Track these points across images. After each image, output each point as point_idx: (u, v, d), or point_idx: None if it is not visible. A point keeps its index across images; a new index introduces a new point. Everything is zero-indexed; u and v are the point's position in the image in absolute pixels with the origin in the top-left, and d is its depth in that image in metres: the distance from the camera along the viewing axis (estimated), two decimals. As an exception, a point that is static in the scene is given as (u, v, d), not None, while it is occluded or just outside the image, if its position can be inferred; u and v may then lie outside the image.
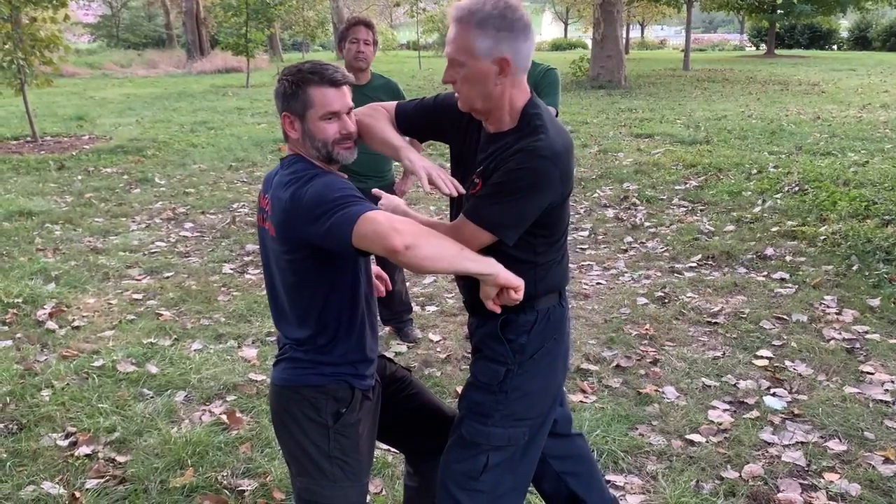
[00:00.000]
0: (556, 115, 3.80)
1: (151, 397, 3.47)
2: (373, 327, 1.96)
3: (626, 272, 5.26)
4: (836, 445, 2.98)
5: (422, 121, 2.06)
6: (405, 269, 4.23)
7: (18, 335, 4.19)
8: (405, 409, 2.13)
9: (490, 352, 1.94)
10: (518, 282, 1.73)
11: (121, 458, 2.97)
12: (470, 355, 3.93)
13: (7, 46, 10.59)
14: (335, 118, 1.83)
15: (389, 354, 3.93)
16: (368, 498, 2.21)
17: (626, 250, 5.79)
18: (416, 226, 1.63)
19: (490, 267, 1.71)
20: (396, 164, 4.10)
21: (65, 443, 3.08)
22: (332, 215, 1.65)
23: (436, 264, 1.68)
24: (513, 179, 1.73)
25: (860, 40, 40.79)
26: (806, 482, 2.77)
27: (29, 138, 11.26)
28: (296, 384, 1.89)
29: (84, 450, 3.01)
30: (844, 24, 43.91)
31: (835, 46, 42.18)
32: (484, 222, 1.75)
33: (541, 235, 1.86)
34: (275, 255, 1.85)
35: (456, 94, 1.86)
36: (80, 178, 8.63)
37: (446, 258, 1.66)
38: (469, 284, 1.93)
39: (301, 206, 1.70)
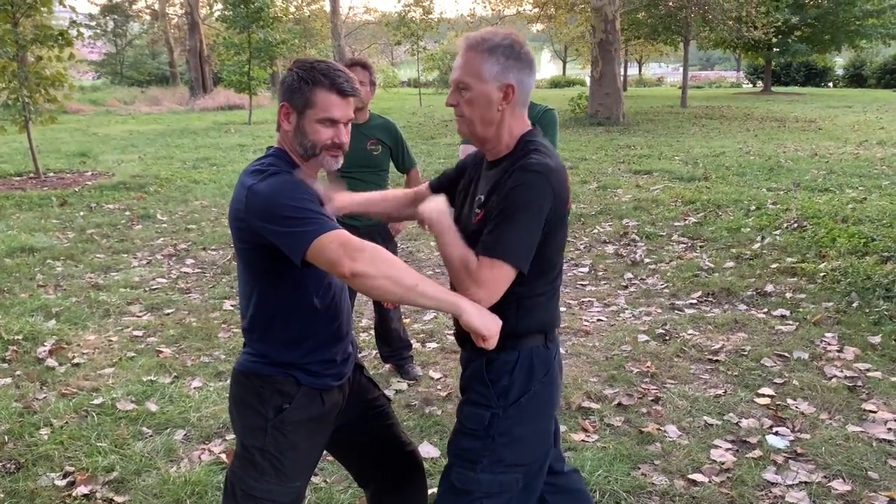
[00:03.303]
0: (555, 155, 3.85)
1: (151, 436, 3.45)
2: (335, 328, 1.92)
3: (626, 309, 5.26)
4: (839, 486, 2.95)
5: (450, 188, 2.13)
6: (400, 306, 4.23)
7: (18, 373, 4.18)
8: (375, 438, 2.10)
9: (475, 395, 1.91)
10: (486, 331, 1.70)
11: (119, 499, 2.95)
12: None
13: (13, 84, 10.72)
14: (332, 125, 1.83)
15: (390, 393, 3.92)
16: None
17: (626, 287, 5.79)
18: (376, 253, 1.63)
19: (452, 305, 1.69)
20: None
21: (63, 482, 3.05)
22: (288, 224, 1.66)
23: (385, 294, 1.65)
24: (511, 202, 1.74)
25: (855, 78, 41.30)
26: (810, 523, 2.74)
27: (32, 174, 11.34)
28: (246, 371, 1.90)
29: (82, 490, 2.98)
30: (839, 61, 44.47)
31: (830, 84, 42.68)
32: (500, 254, 1.73)
33: (534, 271, 1.82)
34: (235, 246, 1.89)
35: (456, 119, 1.89)
36: (82, 214, 8.67)
37: (397, 292, 1.64)
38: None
39: (257, 199, 1.71)
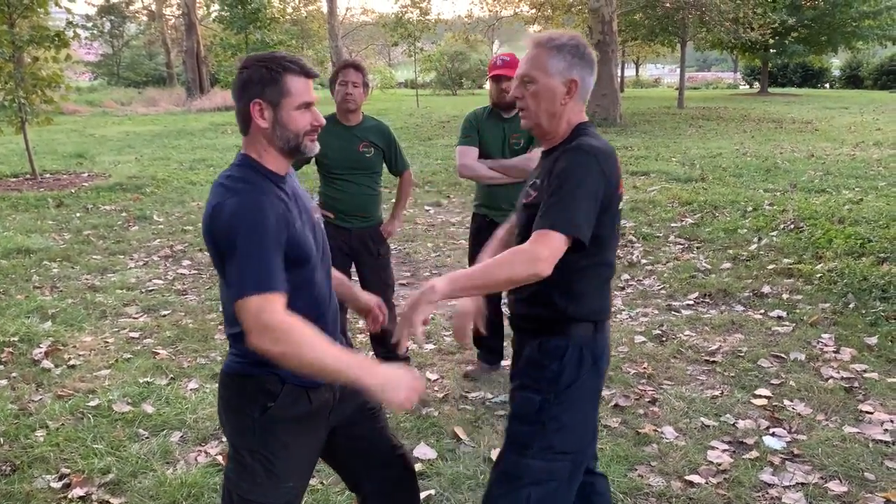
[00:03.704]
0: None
1: (147, 438, 3.44)
2: (318, 328, 1.86)
3: (623, 310, 5.26)
4: (836, 486, 2.96)
5: None
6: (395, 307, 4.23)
7: (14, 374, 4.17)
8: (366, 441, 2.09)
9: (527, 379, 1.97)
10: (390, 402, 1.68)
11: (115, 501, 2.94)
12: (466, 394, 3.93)
13: (9, 85, 10.70)
14: (308, 109, 1.83)
15: (387, 394, 3.92)
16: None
17: (623, 288, 5.80)
18: (287, 333, 1.63)
19: (353, 380, 1.68)
20: (385, 205, 4.14)
21: (58, 485, 3.05)
22: (236, 263, 1.66)
23: (286, 364, 1.67)
24: (564, 178, 1.82)
25: (852, 79, 41.40)
26: (807, 524, 2.74)
27: (28, 175, 11.31)
28: (231, 372, 1.89)
29: (78, 492, 2.97)
30: (836, 62, 44.57)
31: (827, 85, 42.78)
32: (556, 225, 1.77)
33: (583, 258, 1.87)
34: None
35: (521, 112, 1.98)
36: (78, 215, 8.65)
37: (295, 365, 1.66)
38: (524, 302, 1.98)
39: (220, 221, 1.70)
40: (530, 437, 1.92)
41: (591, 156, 1.83)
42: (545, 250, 1.76)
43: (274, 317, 1.64)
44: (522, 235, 1.95)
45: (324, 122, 1.88)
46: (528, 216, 1.93)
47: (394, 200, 4.18)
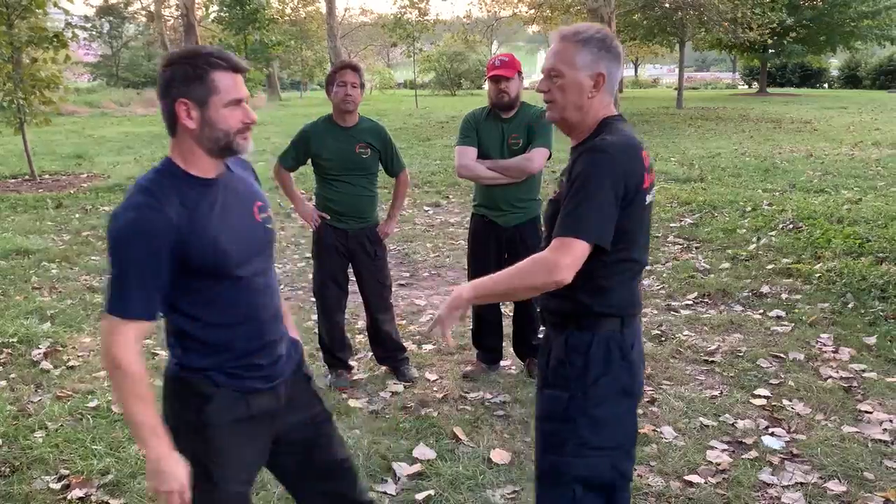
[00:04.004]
0: (550, 157, 3.86)
1: (146, 439, 3.44)
2: (253, 337, 1.86)
3: (622, 310, 5.25)
4: (835, 486, 2.96)
5: None
6: (392, 308, 4.23)
7: (13, 375, 4.17)
8: (310, 454, 2.05)
9: (553, 377, 1.97)
10: (160, 486, 1.71)
11: (114, 502, 2.94)
12: (465, 394, 3.92)
13: (8, 86, 10.70)
14: (238, 106, 1.74)
15: (386, 394, 3.92)
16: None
17: (622, 288, 5.79)
18: (121, 374, 1.69)
19: (141, 443, 1.72)
20: (381, 206, 4.15)
21: (58, 486, 3.04)
22: (111, 276, 1.68)
23: (112, 390, 1.74)
24: (580, 181, 1.80)
25: (850, 79, 41.44)
26: (806, 524, 2.74)
27: (27, 177, 11.32)
28: (169, 375, 1.88)
29: (77, 493, 2.97)
30: (835, 62, 44.61)
31: (826, 85, 42.81)
32: (571, 231, 1.77)
33: (607, 253, 1.84)
34: None
35: (546, 106, 1.98)
36: (77, 216, 8.65)
37: (118, 399, 1.75)
38: (550, 298, 1.97)
39: (107, 230, 1.70)
40: (563, 434, 1.91)
41: (607, 154, 1.81)
42: (565, 258, 1.76)
43: (118, 350, 1.68)
44: (548, 229, 1.97)
45: (255, 118, 1.79)
46: (553, 211, 1.93)
47: (390, 201, 4.19)
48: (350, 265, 4.02)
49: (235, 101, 1.73)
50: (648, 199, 1.91)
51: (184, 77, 1.70)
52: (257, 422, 1.89)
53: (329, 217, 3.87)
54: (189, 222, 1.71)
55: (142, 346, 1.71)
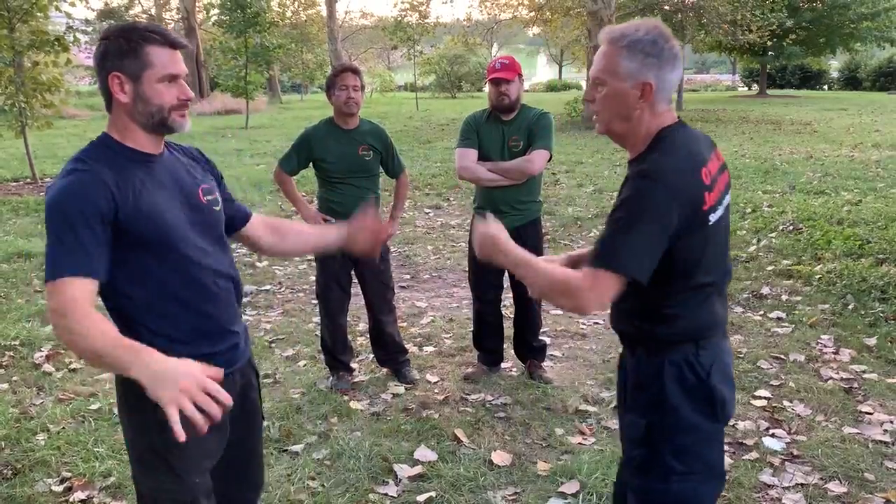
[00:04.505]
0: (550, 159, 3.87)
1: (148, 441, 3.44)
2: (204, 320, 1.83)
3: (623, 312, 5.26)
4: (836, 487, 2.96)
5: None
6: (395, 310, 4.24)
7: (15, 378, 4.18)
8: (238, 449, 2.02)
9: (631, 401, 1.89)
10: (166, 398, 1.54)
11: (116, 504, 2.94)
12: (466, 396, 3.93)
13: (9, 90, 10.72)
14: (173, 82, 1.72)
15: (387, 396, 3.93)
16: None
17: (622, 290, 5.80)
18: (74, 323, 1.59)
19: (123, 370, 1.61)
20: (383, 207, 4.16)
21: (60, 488, 3.05)
22: (51, 243, 1.63)
23: (76, 353, 1.71)
24: (625, 209, 1.68)
25: (850, 80, 41.43)
26: (807, 525, 2.74)
27: (29, 180, 11.33)
28: None
29: (79, 495, 2.98)
30: (834, 64, 44.63)
31: (825, 86, 42.81)
32: (604, 262, 1.66)
33: (666, 274, 1.71)
34: None
35: (594, 115, 1.84)
36: (78, 219, 8.65)
37: (85, 355, 1.67)
38: (621, 322, 1.91)
39: (46, 202, 1.68)
40: (646, 460, 1.83)
41: (657, 184, 1.65)
42: (592, 292, 1.66)
43: (64, 304, 1.60)
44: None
45: (191, 95, 1.77)
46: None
47: (391, 203, 4.20)
48: (353, 267, 4.03)
49: (171, 76, 1.71)
50: (714, 217, 1.74)
51: (118, 51, 1.68)
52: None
53: (333, 220, 3.88)
54: (123, 188, 1.68)
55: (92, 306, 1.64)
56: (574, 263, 2.03)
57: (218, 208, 1.91)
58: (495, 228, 1.86)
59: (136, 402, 1.79)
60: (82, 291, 1.62)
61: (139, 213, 1.69)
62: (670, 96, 1.79)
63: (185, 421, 1.62)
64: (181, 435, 1.52)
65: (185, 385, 1.55)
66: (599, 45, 1.80)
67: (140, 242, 1.71)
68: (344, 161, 3.85)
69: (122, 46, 1.68)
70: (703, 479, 1.83)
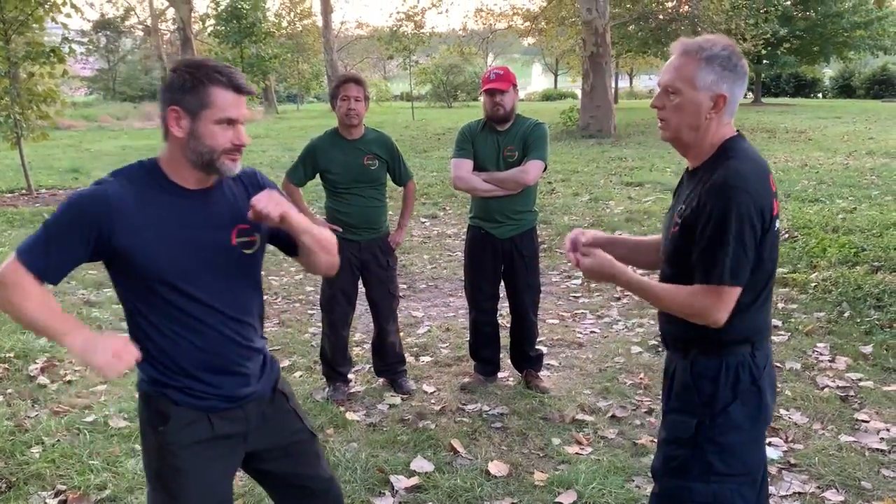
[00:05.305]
0: (545, 169, 3.88)
1: (143, 453, 3.43)
2: (213, 347, 1.81)
3: (619, 320, 5.27)
4: (833, 496, 2.96)
5: None
6: (397, 320, 4.24)
7: (9, 390, 4.16)
8: (290, 474, 2.03)
9: (680, 402, 1.93)
10: (97, 364, 1.65)
11: (111, 517, 2.93)
12: (463, 406, 3.90)
13: (4, 101, 10.72)
14: (230, 126, 1.71)
15: (384, 406, 3.92)
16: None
17: (619, 298, 5.81)
18: (16, 283, 1.68)
19: (57, 337, 1.71)
20: (391, 216, 4.17)
21: (54, 501, 3.03)
22: (41, 224, 1.72)
23: (14, 320, 1.74)
24: (722, 221, 1.75)
25: (844, 88, 41.61)
26: (804, 534, 2.74)
27: (24, 191, 11.31)
28: (139, 389, 1.87)
29: (74, 508, 2.96)
30: (828, 72, 44.84)
31: (820, 94, 42.99)
32: (720, 278, 1.76)
33: None
34: None
35: (660, 123, 1.90)
36: (74, 230, 8.64)
37: (22, 322, 1.74)
38: (673, 324, 1.96)
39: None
40: (689, 460, 1.87)
41: (743, 191, 1.74)
42: (721, 308, 1.77)
43: (6, 272, 1.68)
44: (669, 263, 1.94)
45: (247, 141, 1.76)
46: (674, 247, 1.89)
47: (399, 211, 4.20)
48: (360, 277, 4.02)
49: (229, 119, 1.70)
50: (778, 224, 1.86)
51: (181, 85, 1.68)
52: (224, 442, 1.85)
53: (341, 230, 3.86)
54: (136, 216, 1.70)
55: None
56: (644, 250, 2.16)
57: (250, 251, 1.86)
58: (601, 258, 1.91)
59: (145, 426, 1.84)
60: (28, 279, 1.69)
61: (142, 244, 1.71)
62: (735, 109, 1.88)
63: (190, 450, 1.76)
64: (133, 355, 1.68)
65: (118, 349, 1.66)
66: (676, 56, 1.86)
67: (139, 269, 1.74)
68: (349, 171, 3.84)
69: (186, 82, 1.68)
70: (742, 482, 1.87)
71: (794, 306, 5.30)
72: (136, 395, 1.91)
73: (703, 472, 1.85)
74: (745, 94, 1.94)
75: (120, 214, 1.68)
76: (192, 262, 1.76)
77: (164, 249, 1.72)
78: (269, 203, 1.70)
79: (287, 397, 2.04)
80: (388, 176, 4.01)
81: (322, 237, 1.86)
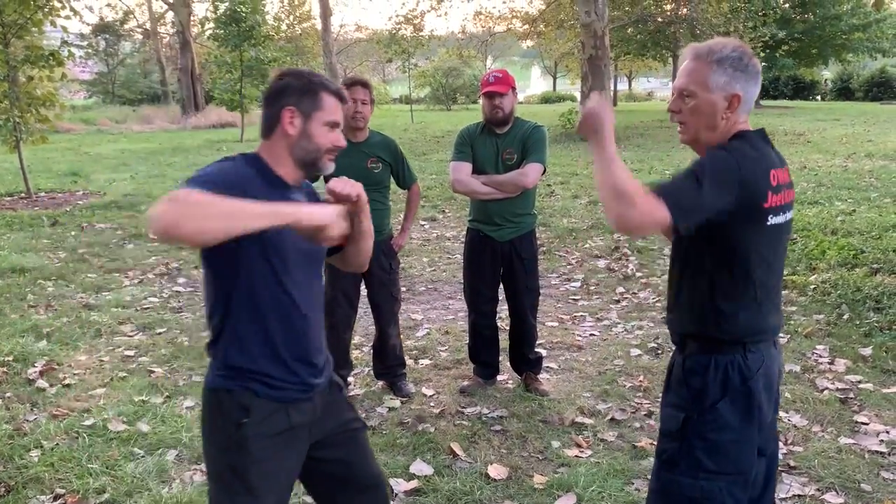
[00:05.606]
0: (544, 172, 3.88)
1: (142, 457, 3.42)
2: (295, 337, 1.89)
3: (618, 323, 5.27)
4: (833, 498, 2.96)
5: None
6: (399, 323, 4.23)
7: (8, 394, 4.15)
8: (342, 464, 2.05)
9: (673, 396, 1.97)
10: (327, 219, 1.68)
11: (110, 521, 2.92)
12: (462, 409, 3.92)
13: (4, 104, 10.73)
14: (333, 129, 1.89)
15: (383, 410, 3.91)
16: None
17: (618, 301, 5.81)
18: (193, 197, 1.54)
19: (281, 217, 1.63)
20: (393, 219, 4.17)
21: (53, 505, 3.03)
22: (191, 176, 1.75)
23: (205, 236, 1.53)
24: (698, 166, 1.78)
25: (843, 91, 41.68)
26: (804, 536, 2.74)
27: (23, 194, 11.32)
28: (211, 387, 1.88)
29: (73, 512, 2.96)
30: (827, 75, 44.91)
31: (818, 97, 43.06)
32: (662, 193, 1.72)
33: (720, 266, 1.85)
34: None
35: (679, 126, 1.95)
36: (73, 233, 8.65)
37: (218, 228, 1.54)
38: (673, 318, 1.99)
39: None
40: (677, 454, 1.90)
41: (727, 153, 1.80)
42: (638, 208, 1.69)
43: (181, 198, 1.54)
44: (678, 256, 1.98)
45: (344, 145, 1.92)
46: (678, 245, 1.94)
47: (402, 214, 4.20)
48: (362, 280, 4.02)
49: (334, 122, 1.88)
50: (775, 220, 1.85)
51: (298, 88, 1.85)
52: (297, 433, 1.92)
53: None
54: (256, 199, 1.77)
55: None
56: None
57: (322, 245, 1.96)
58: (607, 111, 1.87)
59: (219, 419, 1.85)
60: (196, 193, 1.59)
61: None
62: (750, 109, 1.92)
63: (269, 441, 1.80)
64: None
65: (339, 188, 1.81)
66: (689, 61, 1.91)
67: (251, 251, 1.78)
68: (353, 174, 3.81)
69: (304, 85, 1.86)
70: (732, 481, 1.89)
71: (794, 308, 5.30)
72: (204, 391, 1.91)
73: (692, 468, 1.88)
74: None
75: (244, 195, 1.71)
76: (290, 251, 1.86)
77: (274, 234, 1.76)
78: (346, 185, 1.85)
79: (340, 388, 2.12)
80: (391, 179, 4.01)
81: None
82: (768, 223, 1.83)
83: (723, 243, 1.83)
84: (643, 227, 1.75)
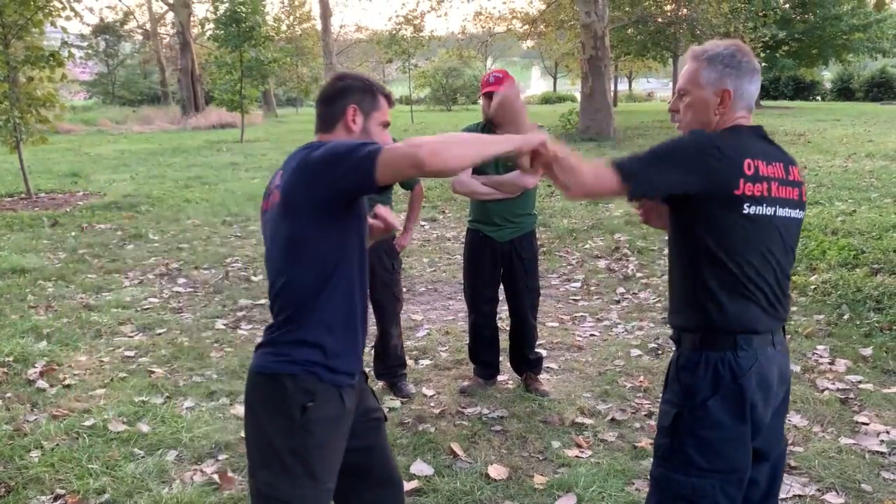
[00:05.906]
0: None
1: (142, 457, 3.42)
2: (353, 325, 1.95)
3: (619, 323, 5.27)
4: (833, 499, 2.96)
5: None
6: (400, 323, 4.23)
7: (8, 394, 4.15)
8: (363, 453, 2.08)
9: (668, 392, 2.00)
10: (535, 139, 1.85)
11: (110, 521, 2.92)
12: (462, 410, 3.92)
13: (4, 105, 10.73)
14: (384, 129, 2.06)
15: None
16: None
17: (618, 301, 5.81)
18: (431, 137, 1.72)
19: (511, 143, 1.85)
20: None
21: (53, 506, 3.03)
22: (350, 156, 1.75)
23: (463, 161, 1.76)
24: (659, 144, 1.86)
25: (843, 91, 41.66)
26: (805, 537, 2.73)
27: (23, 195, 11.32)
28: (267, 371, 1.89)
29: (73, 513, 2.96)
30: (827, 75, 44.90)
31: (819, 97, 43.05)
32: (615, 164, 1.82)
33: (704, 254, 1.88)
34: (274, 230, 1.90)
35: (678, 123, 2.03)
36: (73, 234, 8.65)
37: (469, 154, 1.77)
38: (670, 313, 2.04)
39: (312, 161, 1.80)
40: (669, 450, 1.92)
41: (700, 138, 1.86)
42: (586, 182, 1.84)
43: (412, 139, 1.71)
44: (671, 264, 2.04)
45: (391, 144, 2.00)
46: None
47: (404, 215, 4.20)
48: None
49: (386, 122, 2.07)
50: (756, 209, 1.84)
51: (361, 89, 2.02)
52: (347, 419, 1.96)
53: None
54: None
55: None
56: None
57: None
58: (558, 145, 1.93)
59: (282, 402, 1.85)
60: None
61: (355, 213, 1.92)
62: (750, 105, 1.97)
63: (329, 425, 1.87)
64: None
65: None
66: (687, 63, 2.01)
67: (351, 238, 1.91)
68: None
69: (365, 86, 2.03)
70: (725, 479, 1.89)
71: (794, 308, 5.30)
72: (257, 376, 1.92)
73: (684, 465, 1.89)
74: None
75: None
76: (365, 239, 2.00)
77: (363, 222, 1.98)
78: (389, 214, 2.24)
79: (366, 376, 2.16)
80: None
81: None
82: (745, 212, 1.83)
83: (703, 229, 1.86)
84: (588, 193, 1.90)
